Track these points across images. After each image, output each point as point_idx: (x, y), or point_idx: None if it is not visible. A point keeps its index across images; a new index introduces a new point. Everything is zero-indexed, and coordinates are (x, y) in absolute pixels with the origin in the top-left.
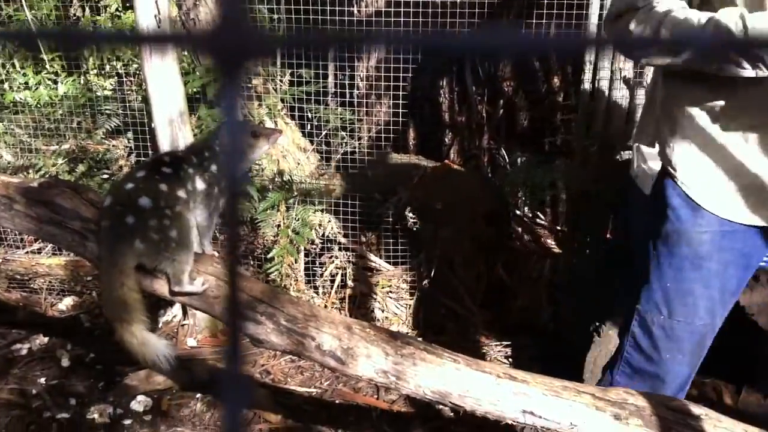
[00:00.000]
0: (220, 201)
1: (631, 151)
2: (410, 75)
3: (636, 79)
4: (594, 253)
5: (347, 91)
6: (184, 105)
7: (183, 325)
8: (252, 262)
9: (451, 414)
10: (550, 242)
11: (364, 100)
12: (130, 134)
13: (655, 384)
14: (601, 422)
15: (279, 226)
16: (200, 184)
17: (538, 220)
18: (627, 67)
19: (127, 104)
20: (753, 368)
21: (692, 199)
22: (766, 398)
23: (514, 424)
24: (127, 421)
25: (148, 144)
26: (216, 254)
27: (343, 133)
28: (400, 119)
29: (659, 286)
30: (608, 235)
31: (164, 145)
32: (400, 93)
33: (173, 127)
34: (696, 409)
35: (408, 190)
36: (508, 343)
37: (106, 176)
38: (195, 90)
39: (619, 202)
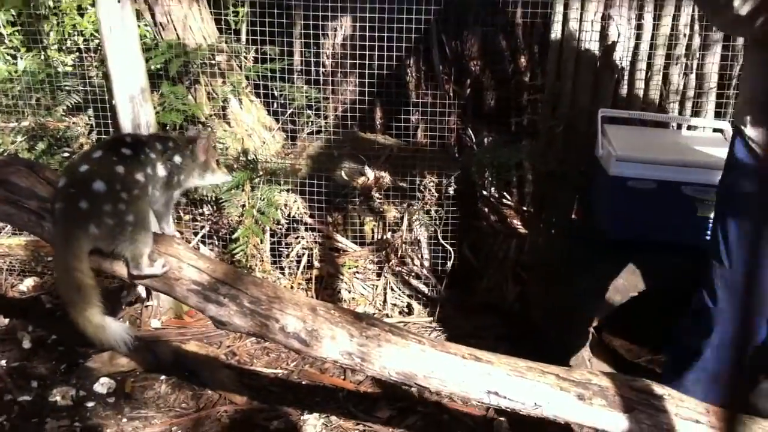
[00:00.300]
0: (178, 190)
1: (596, 132)
2: (377, 53)
3: (602, 59)
4: (559, 233)
5: (313, 68)
6: (145, 82)
7: (147, 306)
8: (217, 243)
9: (417, 394)
10: (516, 222)
11: (330, 78)
12: (90, 111)
13: None
14: (565, 402)
15: (244, 206)
16: (161, 171)
17: (504, 200)
18: (593, 48)
19: (87, 80)
20: None
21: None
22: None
23: (480, 404)
24: (90, 404)
25: (109, 121)
26: (177, 235)
27: (309, 112)
28: (367, 98)
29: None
30: (573, 215)
31: (125, 122)
32: (366, 71)
33: (134, 104)
34: (659, 389)
35: (375, 169)
36: (474, 322)
37: (66, 154)
38: (157, 67)
39: (585, 183)
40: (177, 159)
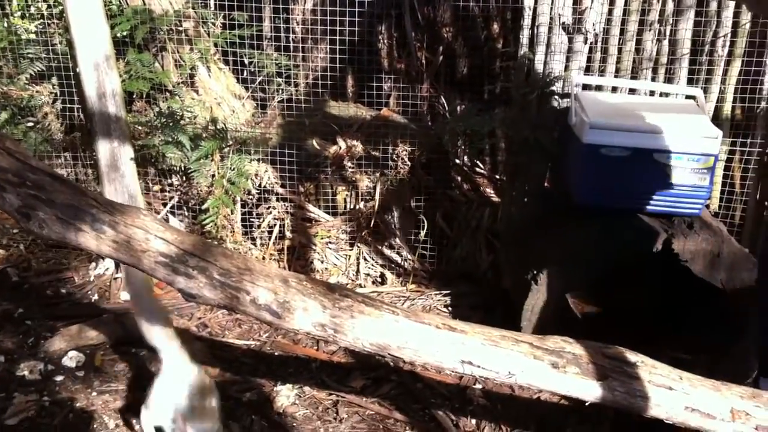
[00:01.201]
0: None
1: (569, 100)
2: (348, 19)
3: (575, 26)
4: (532, 201)
5: (283, 35)
6: (110, 49)
7: (116, 279)
8: (186, 214)
9: (391, 364)
10: (489, 191)
11: (301, 45)
12: (54, 80)
13: None
14: (538, 371)
15: (213, 176)
16: None
17: (477, 168)
18: (566, 14)
19: (51, 48)
20: (686, 315)
21: None
22: (699, 343)
23: (454, 373)
24: (59, 378)
25: (74, 90)
26: (143, 206)
27: (280, 80)
28: (338, 65)
29: None
30: (546, 184)
31: (90, 91)
32: (338, 38)
33: (99, 72)
34: (632, 357)
35: (347, 138)
36: (448, 292)
37: (30, 124)
38: (123, 34)
39: (558, 151)
40: None
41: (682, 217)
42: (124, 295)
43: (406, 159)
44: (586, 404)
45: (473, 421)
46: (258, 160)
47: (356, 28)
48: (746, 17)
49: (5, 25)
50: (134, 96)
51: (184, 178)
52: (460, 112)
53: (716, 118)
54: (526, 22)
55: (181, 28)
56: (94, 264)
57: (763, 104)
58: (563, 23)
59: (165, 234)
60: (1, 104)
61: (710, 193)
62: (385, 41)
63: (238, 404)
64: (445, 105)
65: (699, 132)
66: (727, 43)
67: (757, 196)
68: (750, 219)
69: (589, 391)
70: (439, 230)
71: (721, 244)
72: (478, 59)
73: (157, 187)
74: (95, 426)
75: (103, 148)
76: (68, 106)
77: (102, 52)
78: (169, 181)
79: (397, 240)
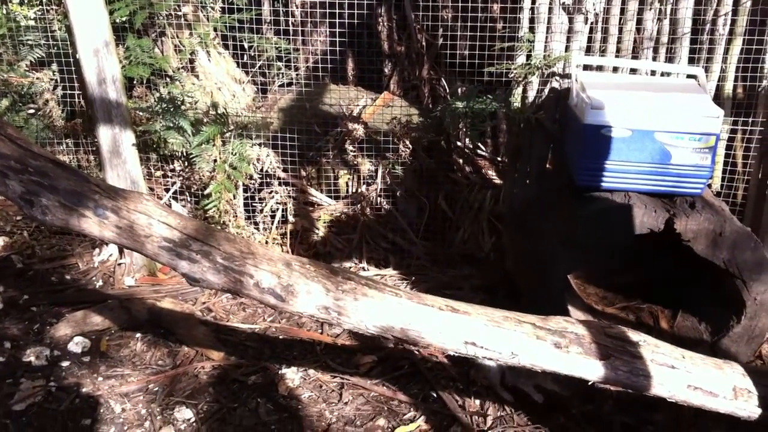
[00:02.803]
0: None
1: (570, 80)
2: (347, 2)
3: (575, 6)
4: (534, 183)
5: (282, 19)
6: (109, 34)
7: (120, 264)
8: (189, 199)
9: (394, 346)
10: (491, 173)
11: (300, 29)
12: (54, 66)
13: None
14: (541, 351)
15: (215, 161)
16: None
17: (479, 150)
18: None
19: (51, 34)
20: (688, 293)
21: None
22: (701, 322)
23: (458, 354)
24: (65, 363)
25: (74, 76)
26: (145, 192)
27: (280, 64)
28: (338, 49)
29: None
30: (548, 165)
31: (90, 77)
32: (337, 21)
33: (99, 57)
34: (634, 336)
35: (348, 122)
36: (451, 273)
37: (32, 111)
38: (122, 19)
39: (559, 132)
40: None
41: (684, 196)
42: (129, 281)
43: (408, 142)
44: (589, 384)
45: (477, 402)
46: (259, 144)
47: (356, 11)
48: None
49: (4, 12)
50: (134, 82)
51: (186, 164)
52: (461, 94)
53: (717, 98)
54: (527, 2)
55: (180, 13)
56: (98, 250)
57: (764, 83)
58: (563, 3)
59: (168, 219)
60: (1, 91)
61: (712, 173)
62: (385, 24)
63: (243, 387)
64: (446, 87)
65: (700, 111)
66: (728, 22)
67: (759, 175)
68: (752, 198)
69: (592, 370)
70: (442, 213)
71: (723, 223)
72: (478, 41)
73: (159, 173)
74: (101, 410)
75: (105, 134)
76: (69, 92)
77: (101, 38)
78: (171, 166)
79: (400, 223)
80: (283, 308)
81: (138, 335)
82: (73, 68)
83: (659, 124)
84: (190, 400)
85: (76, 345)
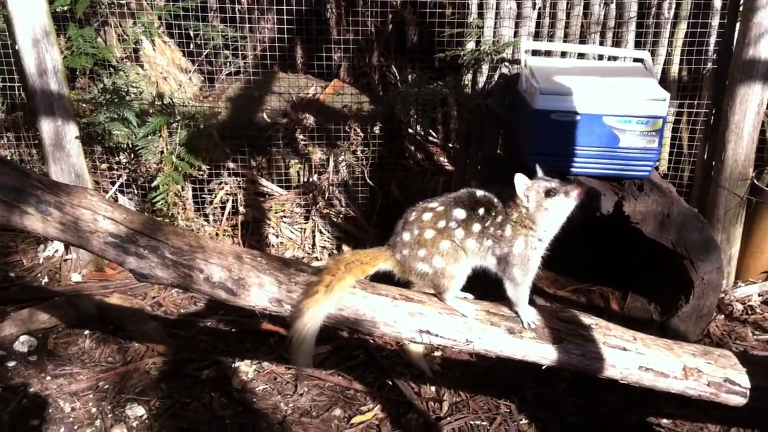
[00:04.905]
0: None
1: (519, 65)
2: None
3: None
4: (485, 168)
5: (228, 6)
6: (50, 24)
7: (66, 260)
8: (136, 192)
9: (348, 336)
10: (443, 159)
11: (247, 16)
12: None
13: None
14: (495, 337)
15: (162, 152)
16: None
17: (430, 137)
18: None
19: None
20: (637, 275)
21: None
22: (651, 303)
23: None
24: (11, 363)
25: (14, 68)
26: (90, 187)
27: (227, 52)
28: (286, 36)
29: None
30: (498, 150)
31: (30, 69)
32: (285, 8)
33: (39, 48)
34: (586, 319)
35: (298, 111)
36: None
37: None
38: (63, 8)
39: (509, 117)
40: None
41: (633, 179)
42: (76, 277)
43: (359, 130)
44: (543, 368)
45: (433, 389)
46: (208, 134)
47: None
48: None
49: None
50: (77, 72)
51: (132, 156)
52: (412, 80)
53: (664, 81)
54: None
55: (123, 2)
56: (42, 246)
57: (709, 65)
58: None
59: (113, 214)
60: None
61: (659, 155)
62: (334, 10)
63: (196, 382)
64: (396, 74)
65: (646, 95)
66: (673, 6)
67: (705, 156)
68: (698, 179)
69: (546, 354)
70: (394, 200)
71: (670, 205)
72: (428, 27)
73: (104, 166)
74: (50, 411)
75: (47, 127)
76: (8, 84)
77: (41, 28)
78: (117, 159)
79: (352, 211)
80: (235, 302)
81: (86, 332)
82: (12, 59)
83: (607, 108)
84: (142, 396)
85: (22, 344)
